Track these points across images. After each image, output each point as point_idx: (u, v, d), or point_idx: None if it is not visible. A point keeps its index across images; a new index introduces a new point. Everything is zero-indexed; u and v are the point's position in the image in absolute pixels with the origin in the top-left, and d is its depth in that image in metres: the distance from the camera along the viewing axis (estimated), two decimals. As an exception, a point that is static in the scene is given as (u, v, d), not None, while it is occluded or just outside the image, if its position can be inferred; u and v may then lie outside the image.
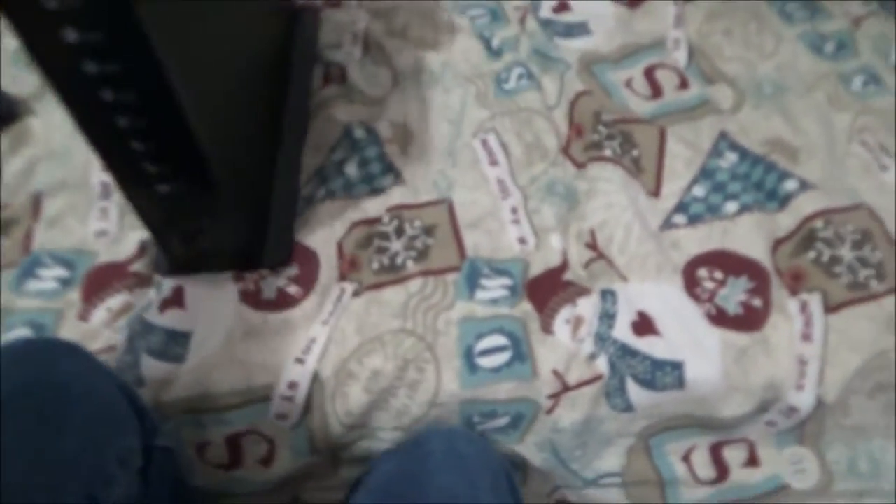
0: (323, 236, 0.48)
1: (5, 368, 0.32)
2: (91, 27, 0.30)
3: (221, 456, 0.44)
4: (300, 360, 0.43)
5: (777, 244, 0.47)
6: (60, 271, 0.47)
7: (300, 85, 0.57)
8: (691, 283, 0.45)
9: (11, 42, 0.61)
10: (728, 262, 0.46)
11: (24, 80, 0.58)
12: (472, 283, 0.45)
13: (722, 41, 0.60)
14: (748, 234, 0.47)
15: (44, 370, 0.33)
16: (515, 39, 0.60)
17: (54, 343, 0.37)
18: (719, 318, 0.44)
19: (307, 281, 0.46)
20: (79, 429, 0.32)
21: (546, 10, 0.63)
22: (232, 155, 0.41)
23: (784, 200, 0.49)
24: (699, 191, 0.50)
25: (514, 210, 0.49)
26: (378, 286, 0.46)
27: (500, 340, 0.43)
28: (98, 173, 0.52)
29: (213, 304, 0.45)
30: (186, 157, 0.37)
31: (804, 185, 0.49)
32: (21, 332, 0.44)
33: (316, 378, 0.43)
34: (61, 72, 0.32)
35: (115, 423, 0.34)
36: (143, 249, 0.48)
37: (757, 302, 0.44)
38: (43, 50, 0.31)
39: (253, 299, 0.45)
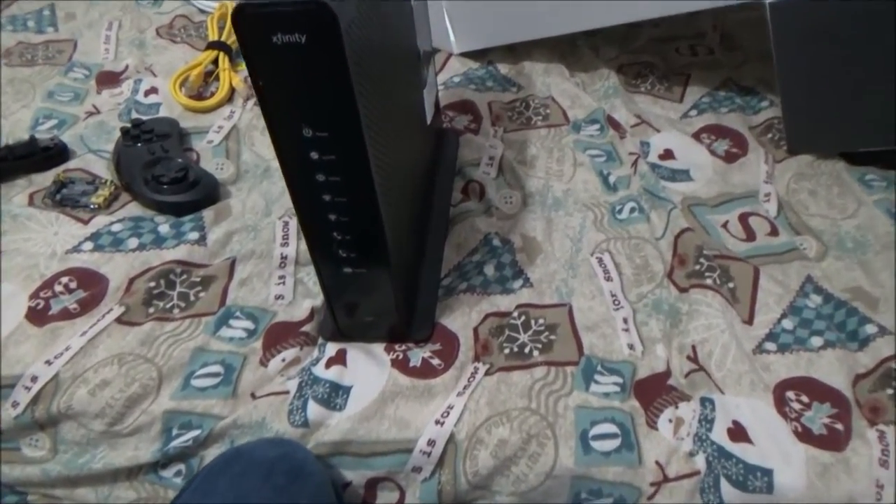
0: (461, 321, 0.57)
1: (261, 447, 0.49)
2: (321, 127, 0.41)
3: (358, 497, 0.52)
4: (439, 422, 0.51)
5: (857, 379, 0.54)
6: (247, 324, 0.57)
7: (443, 194, 0.69)
8: (780, 403, 0.52)
9: (216, 136, 0.76)
10: (813, 389, 0.53)
11: (226, 167, 0.72)
12: (588, 376, 0.53)
13: (808, 199, 0.69)
14: (831, 367, 0.54)
15: (289, 451, 0.48)
16: (628, 178, 0.70)
17: (291, 440, 0.51)
18: (805, 436, 0.50)
19: (447, 357, 0.55)
20: (310, 495, 0.46)
21: (654, 157, 0.74)
22: (397, 246, 0.51)
23: (864, 342, 0.56)
24: (788, 324, 0.57)
25: (625, 320, 0.57)
26: (508, 369, 0.54)
27: (611, 428, 0.50)
28: (279, 247, 0.63)
29: (370, 365, 0.54)
30: (373, 249, 0.48)
31: (882, 331, 0.56)
32: (215, 369, 0.54)
33: (451, 439, 0.50)
34: (293, 158, 0.43)
35: (329, 499, 0.47)
36: (312, 314, 0.58)
37: (839, 426, 0.51)
38: (283, 140, 0.42)
39: (402, 366, 0.54)
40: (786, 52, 0.69)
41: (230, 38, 0.87)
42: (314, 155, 0.42)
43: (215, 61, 0.84)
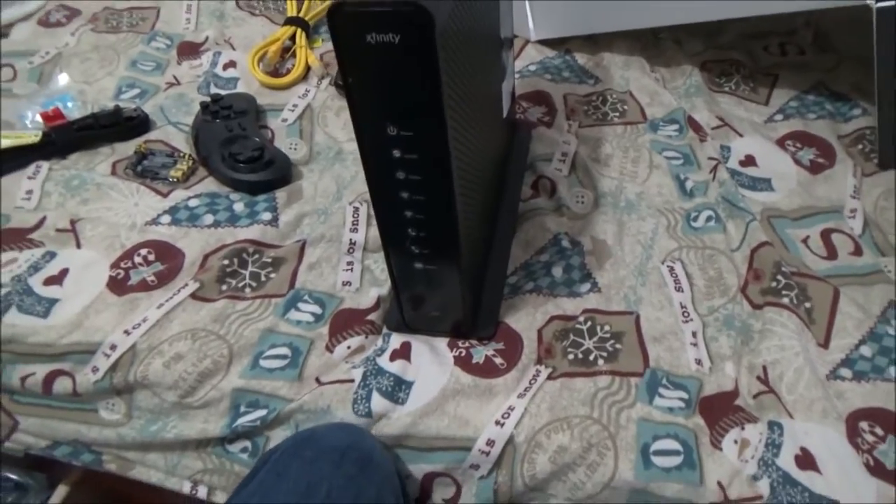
0: (526, 322, 0.57)
1: (331, 433, 0.49)
2: (406, 127, 0.41)
3: (415, 489, 0.53)
4: (499, 423, 0.51)
5: (937, 415, 0.52)
6: (315, 308, 0.58)
7: (513, 188, 0.68)
8: (853, 433, 0.50)
9: (290, 115, 0.76)
10: (888, 421, 0.51)
11: (299, 147, 0.73)
12: (653, 389, 0.53)
13: (897, 218, 0.66)
14: (910, 400, 0.52)
15: (358, 439, 0.49)
16: (706, 185, 0.68)
17: (360, 428, 0.52)
18: (877, 469, 0.48)
19: (510, 356, 0.55)
20: (377, 485, 0.46)
21: (734, 163, 0.72)
22: (468, 243, 0.51)
23: (948, 376, 0.54)
24: (866, 351, 0.55)
25: (693, 334, 0.56)
26: (571, 375, 0.54)
27: (673, 445, 0.50)
28: (349, 233, 0.64)
29: (433, 361, 0.54)
30: (446, 247, 0.48)
31: (969, 367, 0.54)
32: (282, 351, 0.55)
33: (510, 441, 0.50)
34: (375, 155, 0.43)
35: (394, 489, 0.48)
36: (378, 303, 0.59)
37: (914, 463, 0.49)
38: (367, 137, 0.42)
39: (464, 363, 0.54)
40: (889, 60, 0.66)
41: (308, 13, 0.87)
42: (396, 153, 0.42)
43: (292, 37, 0.85)
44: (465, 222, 0.48)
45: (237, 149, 0.67)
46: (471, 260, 0.53)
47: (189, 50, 0.85)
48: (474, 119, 0.49)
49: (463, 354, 0.55)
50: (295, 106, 0.78)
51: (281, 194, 0.67)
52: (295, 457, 0.47)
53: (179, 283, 0.59)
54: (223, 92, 0.78)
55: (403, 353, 0.55)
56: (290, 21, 0.86)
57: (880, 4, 0.61)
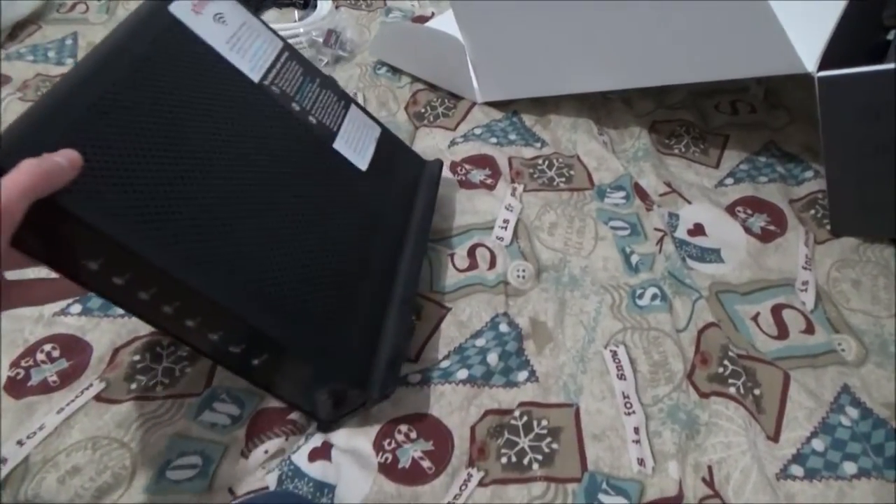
0: (459, 417, 0.53)
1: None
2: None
3: None
4: (424, 540, 0.47)
5: (894, 515, 0.48)
6: (232, 408, 0.54)
7: (418, 218, 0.63)
8: (804, 543, 0.47)
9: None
10: (843, 528, 0.48)
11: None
12: (592, 496, 0.49)
13: (850, 291, 0.63)
14: (864, 500, 0.49)
15: None
16: (652, 258, 0.65)
17: (302, 496, 0.48)
18: (830, 587, 0.45)
19: (440, 458, 0.51)
20: None
21: (682, 231, 0.69)
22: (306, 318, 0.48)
23: (904, 472, 0.50)
24: (818, 445, 0.52)
25: (636, 430, 0.52)
26: (504, 481, 0.50)
27: (612, 563, 0.46)
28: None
29: (354, 467, 0.50)
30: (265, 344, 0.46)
31: (926, 461, 0.51)
32: (192, 460, 0.51)
33: (436, 560, 0.46)
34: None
35: None
36: (300, 400, 0.55)
37: (870, 577, 0.45)
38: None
39: (389, 470, 0.50)
40: (834, 127, 0.64)
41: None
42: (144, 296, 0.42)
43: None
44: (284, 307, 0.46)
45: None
46: (326, 329, 0.49)
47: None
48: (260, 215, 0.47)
49: (389, 460, 0.51)
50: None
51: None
52: None
53: (84, 382, 0.55)
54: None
55: (324, 452, 0.51)
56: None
57: (821, 74, 0.60)
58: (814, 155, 0.77)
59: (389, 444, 0.52)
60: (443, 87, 0.86)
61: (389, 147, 0.65)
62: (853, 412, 0.54)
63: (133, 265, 0.39)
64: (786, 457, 0.51)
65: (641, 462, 0.51)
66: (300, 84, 0.57)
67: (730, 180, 0.76)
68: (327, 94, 0.60)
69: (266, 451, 0.51)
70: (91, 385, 0.54)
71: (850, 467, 0.51)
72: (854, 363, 0.58)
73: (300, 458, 0.51)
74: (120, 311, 0.59)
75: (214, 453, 0.51)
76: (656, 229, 0.68)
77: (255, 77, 0.53)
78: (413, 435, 0.52)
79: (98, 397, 0.53)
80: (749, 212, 0.71)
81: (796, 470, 0.51)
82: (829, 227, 0.69)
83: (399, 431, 0.52)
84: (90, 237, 0.37)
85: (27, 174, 0.33)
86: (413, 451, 0.51)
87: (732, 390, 0.54)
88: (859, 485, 0.50)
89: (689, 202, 0.72)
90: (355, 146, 0.59)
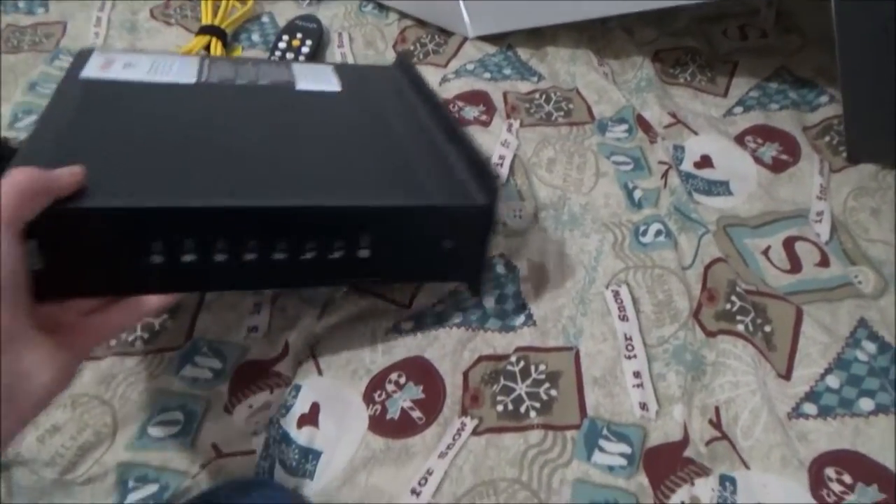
0: (451, 363, 0.51)
1: (232, 496, 0.41)
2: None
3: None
4: (415, 492, 0.45)
5: (914, 453, 0.45)
6: (214, 362, 0.52)
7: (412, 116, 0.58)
8: (817, 483, 0.44)
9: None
10: (858, 467, 0.45)
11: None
12: (591, 442, 0.46)
13: (868, 220, 0.60)
14: (882, 438, 0.46)
15: (260, 500, 0.41)
16: (657, 193, 0.62)
17: (265, 481, 0.45)
18: (845, 528, 0.42)
19: (431, 407, 0.49)
20: None
21: (688, 164, 0.65)
22: None
23: (925, 407, 0.47)
24: (833, 381, 0.49)
25: (636, 374, 0.50)
26: (499, 430, 0.47)
27: (612, 513, 0.44)
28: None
29: (343, 429, 0.48)
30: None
31: (948, 395, 0.48)
32: (174, 416, 0.49)
33: (428, 512, 0.44)
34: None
35: None
36: (286, 350, 0.52)
37: (887, 517, 0.43)
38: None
39: (378, 423, 0.48)
40: (851, 47, 0.59)
41: (224, 20, 0.80)
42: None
43: (207, 47, 0.77)
44: None
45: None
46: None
47: (97, 66, 0.78)
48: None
49: (378, 412, 0.48)
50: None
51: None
52: None
53: (62, 340, 0.52)
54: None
55: (312, 417, 0.49)
56: (205, 30, 0.78)
57: (838, -15, 0.54)
58: (828, 79, 0.72)
59: (380, 395, 0.49)
60: (432, 22, 0.81)
61: (349, 70, 0.62)
62: (871, 346, 0.51)
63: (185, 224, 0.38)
64: (798, 395, 0.48)
65: (644, 406, 0.48)
66: (235, 70, 0.57)
67: (739, 109, 0.71)
68: (265, 66, 0.59)
69: (251, 406, 0.49)
70: (68, 343, 0.52)
71: (866, 404, 0.48)
72: (872, 295, 0.54)
73: (289, 424, 0.48)
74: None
75: (197, 408, 0.49)
76: (660, 163, 0.64)
77: (190, 80, 0.53)
78: (403, 380, 0.50)
79: (76, 355, 0.51)
80: (759, 141, 0.67)
81: (809, 408, 0.48)
82: (845, 155, 0.65)
83: (390, 381, 0.50)
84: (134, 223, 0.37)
85: (22, 173, 0.33)
86: (402, 400, 0.49)
87: (741, 328, 0.51)
88: (876, 421, 0.47)
89: (696, 133, 0.68)
90: (318, 79, 0.57)
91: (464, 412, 0.49)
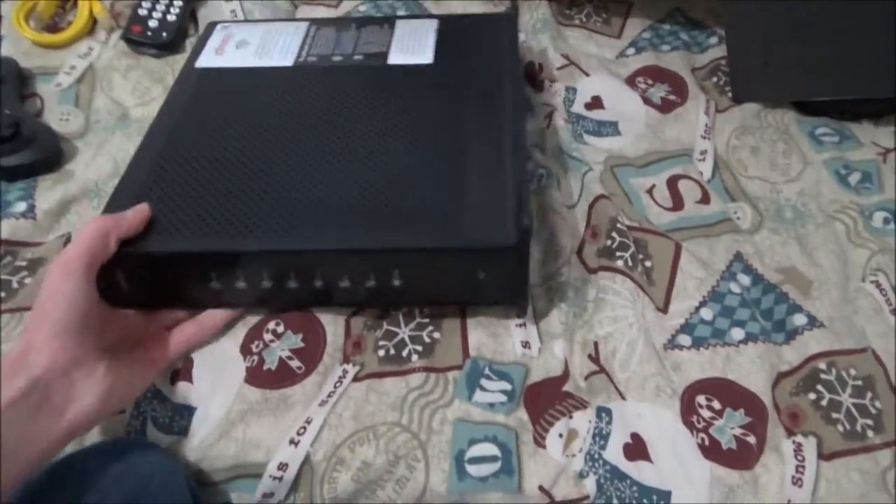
0: (333, 310, 0.49)
1: (102, 459, 0.40)
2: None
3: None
4: (294, 442, 0.44)
5: (779, 378, 0.47)
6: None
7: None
8: (689, 410, 0.46)
9: (66, 79, 0.64)
10: (727, 393, 0.46)
11: (73, 117, 0.61)
12: (473, 382, 0.46)
13: (748, 158, 0.61)
14: (751, 365, 0.48)
15: (133, 462, 0.40)
16: (540, 136, 0.61)
17: (138, 440, 0.44)
18: (712, 451, 0.44)
19: (310, 356, 0.47)
20: None
21: (579, 105, 0.65)
22: None
23: (791, 334, 0.49)
24: (706, 314, 0.50)
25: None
26: (380, 375, 0.46)
27: (491, 449, 0.43)
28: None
29: (217, 382, 0.46)
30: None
31: (812, 322, 0.50)
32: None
33: (307, 460, 0.43)
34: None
35: None
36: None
37: (751, 439, 0.44)
38: None
39: (255, 374, 0.46)
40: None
41: (92, -46, 0.73)
42: None
43: (73, -16, 0.71)
44: None
45: (-16, 127, 0.55)
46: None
47: (-56, 5, 0.70)
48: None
49: (255, 362, 0.47)
50: (73, 67, 0.65)
51: (44, 178, 0.55)
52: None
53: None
54: (-19, 56, 0.64)
55: (186, 373, 0.46)
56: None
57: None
58: (718, 20, 0.73)
59: (257, 345, 0.48)
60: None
61: (454, 27, 0.62)
62: (745, 279, 0.52)
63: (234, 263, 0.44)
64: (674, 327, 0.50)
65: (526, 345, 0.48)
66: (335, 41, 0.60)
67: (631, 50, 0.71)
68: (368, 31, 0.62)
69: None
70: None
71: (737, 333, 0.49)
72: (749, 230, 0.56)
73: (162, 381, 0.46)
74: None
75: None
76: (546, 104, 0.63)
77: (289, 62, 0.58)
78: (281, 329, 0.48)
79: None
80: (650, 82, 0.67)
81: (683, 339, 0.49)
82: (730, 95, 0.66)
83: (267, 330, 0.48)
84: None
85: (95, 222, 0.41)
86: (280, 350, 0.47)
87: (620, 263, 0.51)
88: (745, 349, 0.48)
89: (587, 75, 0.67)
90: (412, 50, 0.59)
91: (346, 359, 0.47)
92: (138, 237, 0.43)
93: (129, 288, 0.44)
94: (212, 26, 0.63)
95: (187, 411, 0.45)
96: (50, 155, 0.57)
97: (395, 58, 0.58)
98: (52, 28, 0.68)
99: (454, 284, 0.46)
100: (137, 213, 0.43)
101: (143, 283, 0.45)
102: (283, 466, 0.43)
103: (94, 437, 0.45)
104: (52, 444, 0.37)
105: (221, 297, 0.46)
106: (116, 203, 0.45)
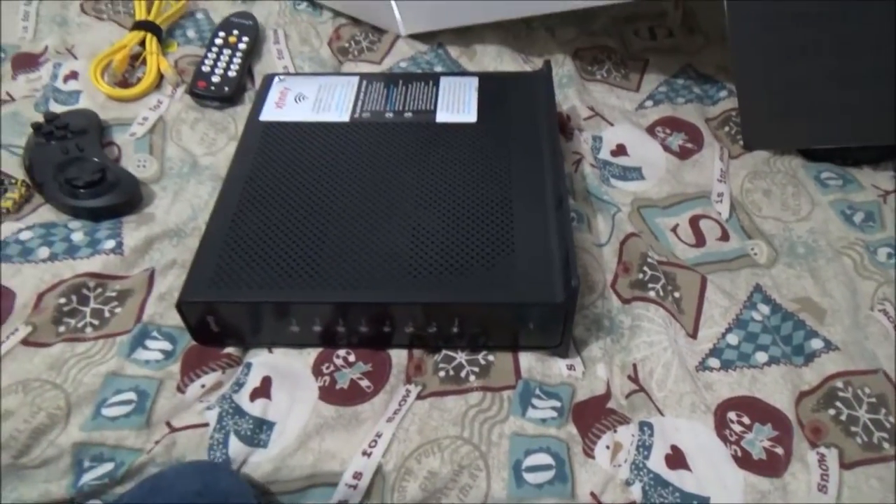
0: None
1: (181, 479, 0.43)
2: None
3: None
4: (366, 453, 0.48)
5: (801, 397, 0.52)
6: (165, 344, 0.54)
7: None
8: (721, 425, 0.50)
9: (140, 129, 0.70)
10: (755, 409, 0.51)
11: (149, 164, 0.67)
12: (526, 400, 0.51)
13: (761, 200, 0.67)
14: (775, 385, 0.53)
15: (212, 481, 0.44)
16: (569, 180, 0.67)
17: (216, 464, 0.47)
18: (744, 461, 0.49)
19: (378, 378, 0.52)
20: None
21: (605, 153, 0.71)
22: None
23: (809, 357, 0.54)
24: (732, 339, 0.55)
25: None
26: (441, 394, 0.51)
27: (545, 459, 0.48)
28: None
29: (294, 399, 0.51)
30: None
31: (828, 346, 0.55)
32: (128, 396, 0.51)
33: (379, 470, 0.48)
34: None
35: None
36: (237, 332, 0.55)
37: (779, 450, 0.49)
38: None
39: (328, 393, 0.51)
40: (743, 43, 0.66)
41: (159, 16, 0.81)
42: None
43: (143, 43, 0.78)
44: None
45: (74, 173, 0.61)
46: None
47: (26, 62, 0.77)
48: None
49: (327, 382, 0.52)
50: (145, 119, 0.72)
51: (128, 218, 0.61)
52: None
53: (9, 328, 0.53)
54: (64, 108, 0.71)
55: (264, 390, 0.51)
56: (139, 25, 0.79)
57: (729, -10, 0.62)
58: (728, 75, 0.80)
59: (328, 367, 0.53)
60: (365, 20, 0.85)
61: (492, 85, 0.68)
62: (765, 308, 0.58)
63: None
64: (704, 351, 0.55)
65: (571, 367, 0.53)
66: (385, 97, 0.66)
67: (649, 102, 0.78)
68: (414, 87, 0.68)
69: (203, 386, 0.52)
70: (17, 330, 0.53)
71: (761, 356, 0.54)
72: (766, 265, 0.62)
73: (242, 398, 0.51)
74: (41, 254, 0.57)
75: (149, 388, 0.51)
76: (574, 152, 0.70)
77: (346, 118, 0.64)
78: (352, 359, 0.53)
79: (25, 342, 0.52)
80: (668, 131, 0.74)
81: (713, 362, 0.54)
82: (741, 143, 0.72)
83: (337, 356, 0.53)
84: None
85: None
86: (351, 373, 0.52)
87: (652, 294, 0.57)
88: (769, 371, 0.53)
89: (612, 124, 0.74)
90: (457, 108, 0.65)
91: (408, 380, 0.52)
92: (230, 288, 0.49)
93: (220, 331, 0.52)
94: (269, 78, 0.69)
95: (267, 426, 0.50)
96: (132, 198, 0.62)
97: (443, 115, 0.64)
98: (124, 83, 0.75)
99: (506, 332, 0.52)
100: None
101: (232, 326, 0.52)
102: (357, 475, 0.48)
103: (178, 449, 0.49)
104: None
105: (301, 338, 0.52)
106: (204, 252, 0.52)
